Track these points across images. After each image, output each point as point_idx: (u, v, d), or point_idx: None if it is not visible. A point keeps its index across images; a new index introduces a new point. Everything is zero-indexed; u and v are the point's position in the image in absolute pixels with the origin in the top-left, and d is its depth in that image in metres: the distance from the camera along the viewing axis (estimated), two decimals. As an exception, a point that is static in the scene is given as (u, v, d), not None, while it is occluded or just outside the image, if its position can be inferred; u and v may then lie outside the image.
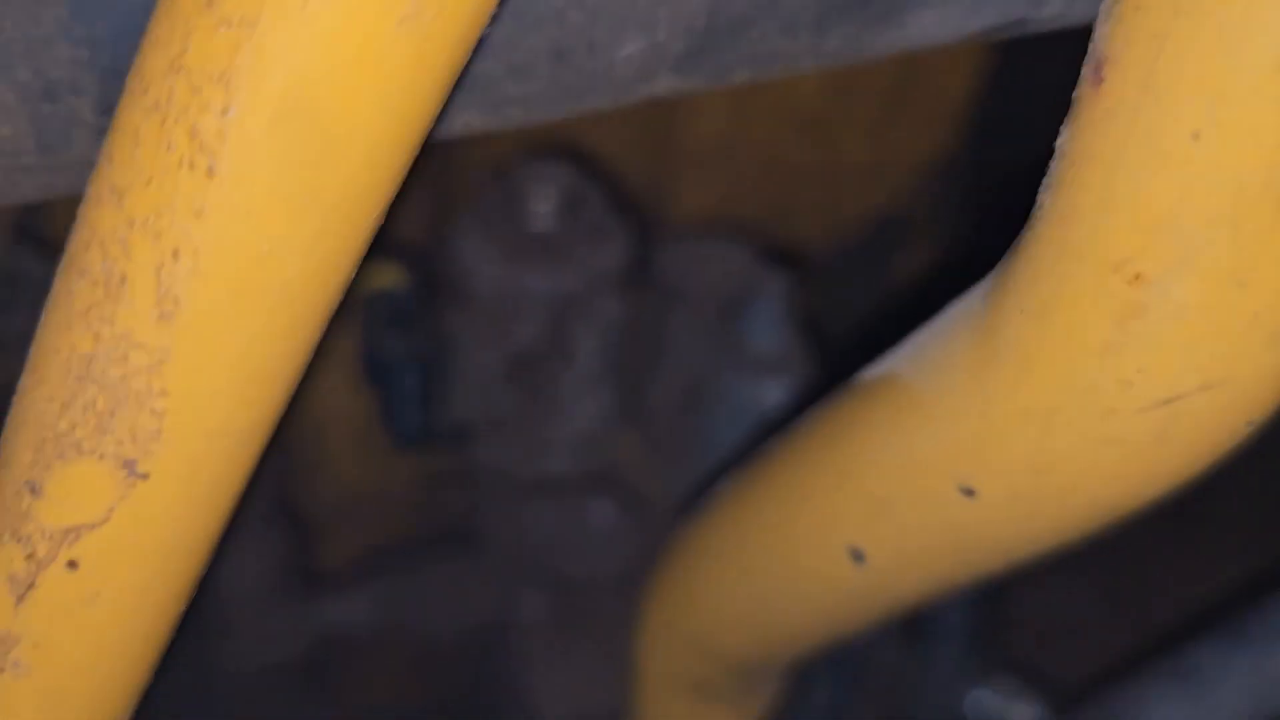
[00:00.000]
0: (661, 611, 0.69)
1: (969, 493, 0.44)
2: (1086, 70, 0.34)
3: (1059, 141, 0.37)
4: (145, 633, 0.40)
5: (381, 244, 1.09)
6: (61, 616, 0.39)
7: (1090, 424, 0.39)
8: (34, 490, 0.36)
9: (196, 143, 0.30)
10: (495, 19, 0.41)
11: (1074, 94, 0.36)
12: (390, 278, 1.02)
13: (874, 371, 0.49)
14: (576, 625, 1.04)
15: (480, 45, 0.44)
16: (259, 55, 0.29)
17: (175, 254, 0.32)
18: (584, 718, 0.99)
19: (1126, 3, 0.32)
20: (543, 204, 1.02)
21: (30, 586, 0.38)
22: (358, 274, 1.03)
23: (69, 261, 0.34)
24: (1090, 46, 0.35)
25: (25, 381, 0.36)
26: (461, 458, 1.16)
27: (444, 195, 1.09)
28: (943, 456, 0.45)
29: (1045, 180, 0.38)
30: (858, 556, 0.52)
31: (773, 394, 1.00)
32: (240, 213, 0.31)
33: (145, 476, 0.36)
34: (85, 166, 0.35)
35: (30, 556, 0.37)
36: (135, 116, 0.31)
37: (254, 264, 0.32)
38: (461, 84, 0.46)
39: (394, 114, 0.31)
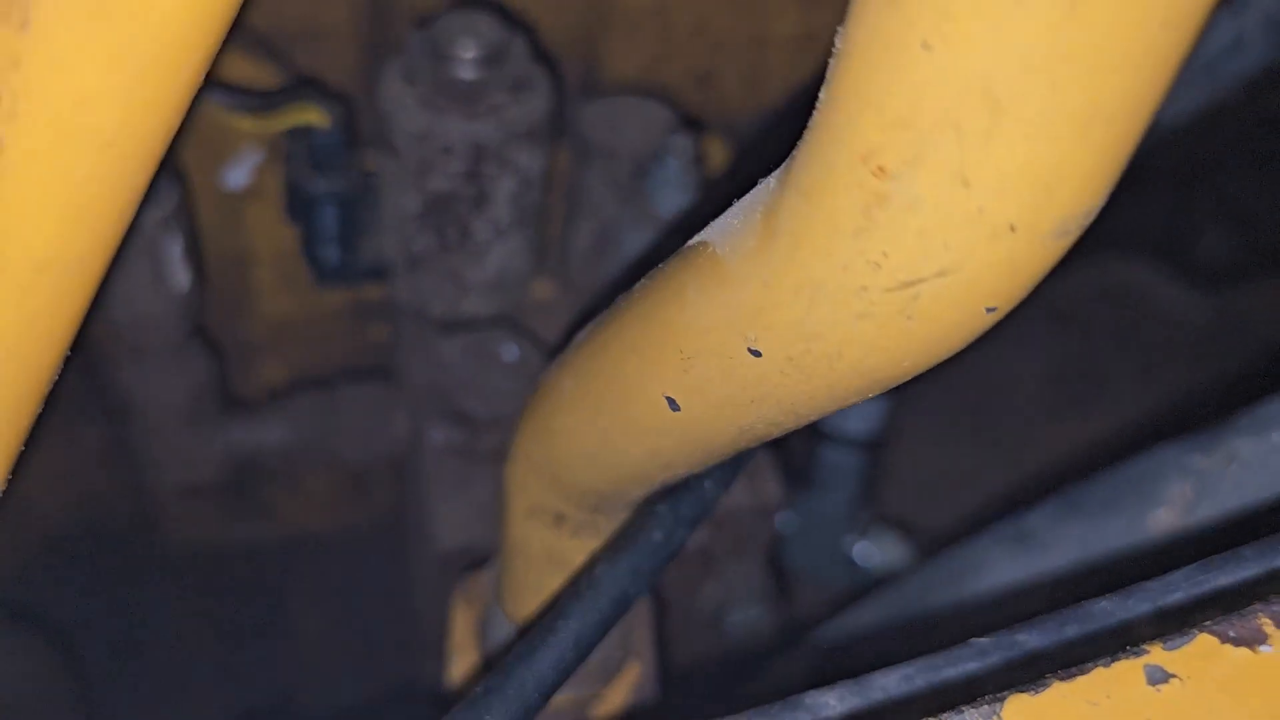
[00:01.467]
0: (525, 448, 0.74)
1: (756, 353, 0.49)
2: None
3: (836, 38, 0.41)
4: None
5: (308, 84, 1.11)
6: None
7: (847, 299, 0.43)
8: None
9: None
10: None
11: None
12: (314, 116, 1.04)
13: (697, 237, 0.53)
14: (478, 458, 1.10)
15: None
16: None
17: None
18: (476, 544, 1.05)
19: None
20: (465, 53, 1.04)
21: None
22: (282, 112, 1.05)
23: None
24: None
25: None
26: (382, 293, 1.20)
27: (375, 42, 1.11)
28: (735, 319, 0.49)
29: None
30: (674, 405, 0.56)
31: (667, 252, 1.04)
32: (54, 63, 0.34)
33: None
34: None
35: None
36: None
37: (70, 112, 0.36)
38: None
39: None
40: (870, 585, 1.32)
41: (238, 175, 1.14)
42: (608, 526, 0.75)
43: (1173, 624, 0.49)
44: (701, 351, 0.52)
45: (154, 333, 1.04)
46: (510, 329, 1.13)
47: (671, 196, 1.08)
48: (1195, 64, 1.25)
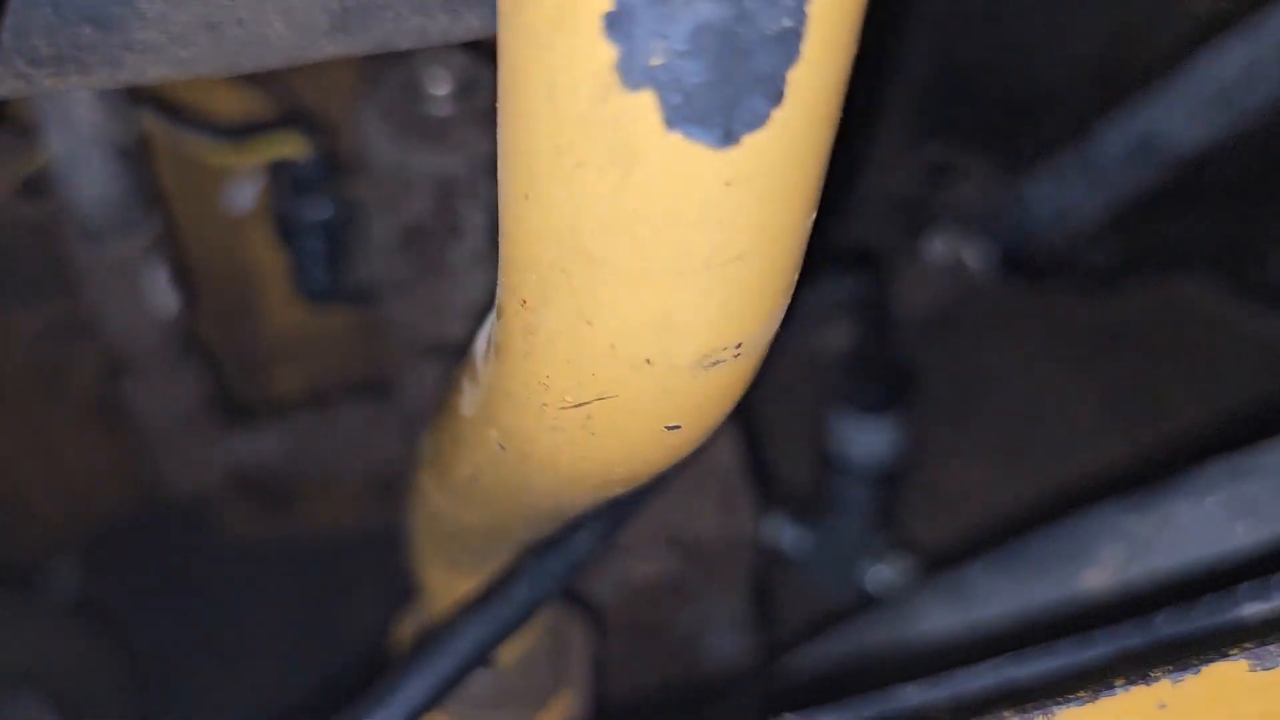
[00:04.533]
0: (412, 502, 0.77)
1: (502, 447, 0.51)
2: None
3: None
4: None
5: (289, 116, 1.15)
6: None
7: (535, 411, 0.45)
8: None
9: None
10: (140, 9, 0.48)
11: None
12: (294, 148, 1.08)
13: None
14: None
15: (135, 18, 0.51)
16: None
17: None
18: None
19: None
20: (437, 88, 1.07)
21: None
22: (261, 144, 1.09)
23: None
24: None
25: None
26: (372, 316, 1.24)
27: (356, 77, 1.14)
28: (482, 416, 0.51)
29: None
30: (474, 481, 0.59)
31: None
32: None
33: None
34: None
35: None
36: None
37: None
38: (133, 46, 0.53)
39: None
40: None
41: (240, 198, 1.19)
42: (493, 562, 0.78)
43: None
44: (473, 440, 0.54)
45: (144, 350, 1.09)
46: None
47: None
48: (1205, 97, 1.22)
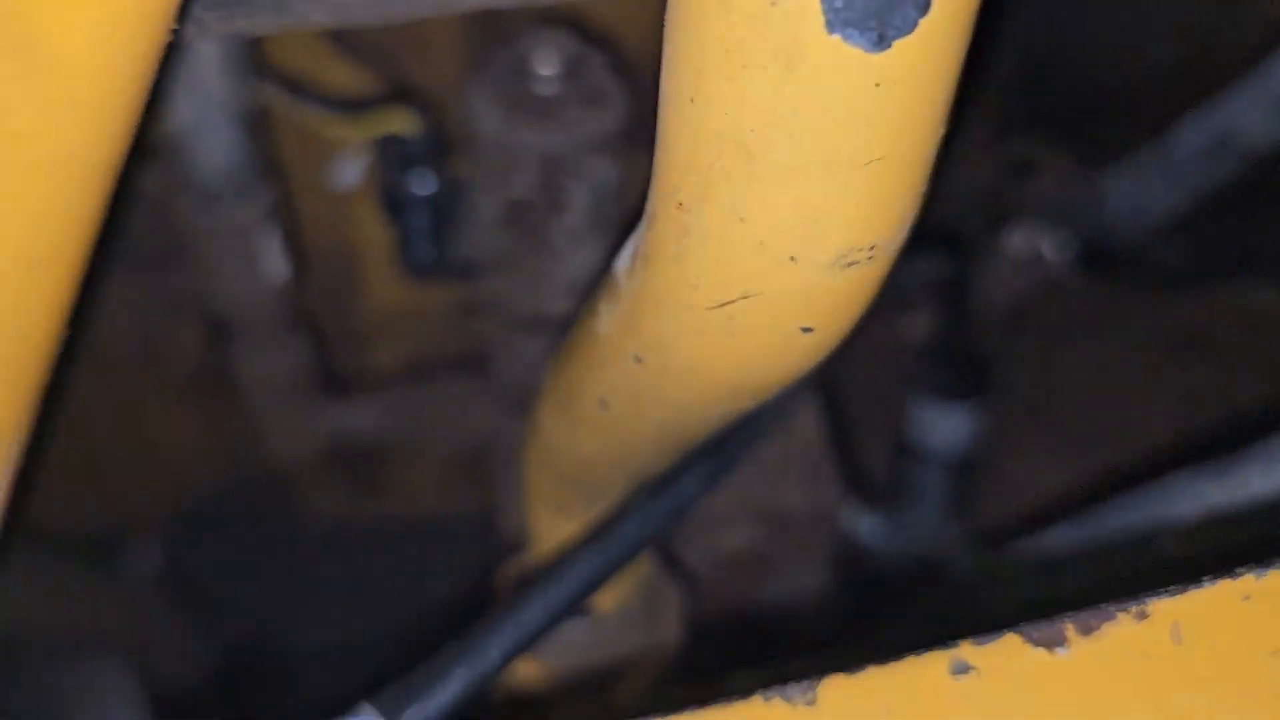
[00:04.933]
0: (527, 442, 0.81)
1: (639, 360, 0.55)
2: None
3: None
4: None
5: (400, 92, 1.21)
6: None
7: (680, 314, 0.49)
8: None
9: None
10: None
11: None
12: (403, 123, 1.14)
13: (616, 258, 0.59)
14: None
15: None
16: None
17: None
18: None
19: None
20: (545, 67, 1.11)
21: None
22: (373, 118, 1.15)
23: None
24: None
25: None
26: (473, 291, 1.29)
27: (465, 55, 1.20)
28: (620, 330, 0.55)
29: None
30: (604, 405, 0.63)
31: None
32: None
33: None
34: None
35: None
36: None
37: (8, 145, 0.44)
38: None
39: (102, 52, 0.42)
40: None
41: (348, 174, 1.25)
42: (600, 504, 0.82)
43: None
44: (608, 359, 0.59)
45: (254, 318, 1.14)
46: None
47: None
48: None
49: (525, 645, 0.71)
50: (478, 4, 0.61)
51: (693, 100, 0.41)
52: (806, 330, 0.48)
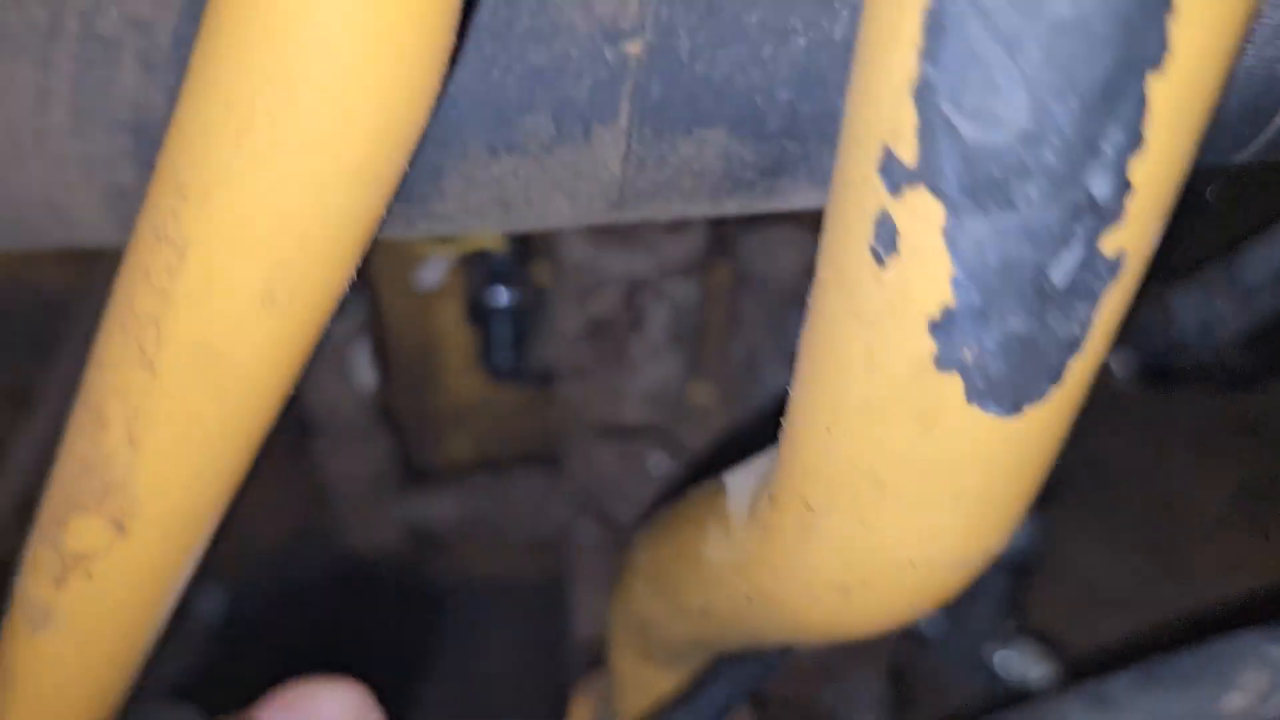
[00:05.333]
0: (619, 593, 0.84)
1: (749, 599, 0.58)
2: None
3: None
4: (138, 619, 0.58)
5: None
6: (83, 601, 0.57)
7: (799, 586, 0.52)
8: (60, 525, 0.54)
9: (142, 353, 0.46)
10: (444, 180, 0.55)
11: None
12: (492, 240, 1.17)
13: (725, 478, 0.62)
14: (617, 556, 1.21)
15: (436, 194, 0.58)
16: (174, 313, 0.45)
17: (135, 412, 0.48)
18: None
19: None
20: (630, 193, 1.15)
21: (62, 581, 0.56)
22: (466, 238, 1.18)
23: (80, 396, 0.51)
24: None
25: (58, 457, 0.53)
26: (549, 395, 1.33)
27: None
28: (734, 570, 0.58)
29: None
30: (704, 613, 0.66)
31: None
32: (171, 397, 0.47)
33: (128, 532, 0.53)
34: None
35: (61, 564, 0.55)
36: (111, 325, 0.47)
37: (184, 427, 0.48)
38: (430, 214, 0.60)
39: (268, 360, 0.46)
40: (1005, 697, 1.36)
41: (430, 276, 1.29)
42: (690, 665, 0.85)
43: None
44: (716, 582, 0.62)
45: (341, 421, 1.19)
46: (662, 439, 1.24)
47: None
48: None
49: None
50: (596, 222, 0.64)
51: (829, 430, 0.45)
52: (918, 609, 0.51)
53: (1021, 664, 1.47)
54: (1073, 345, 0.40)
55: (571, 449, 1.29)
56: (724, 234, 1.23)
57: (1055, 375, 0.40)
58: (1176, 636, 1.04)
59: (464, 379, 1.36)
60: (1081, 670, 1.27)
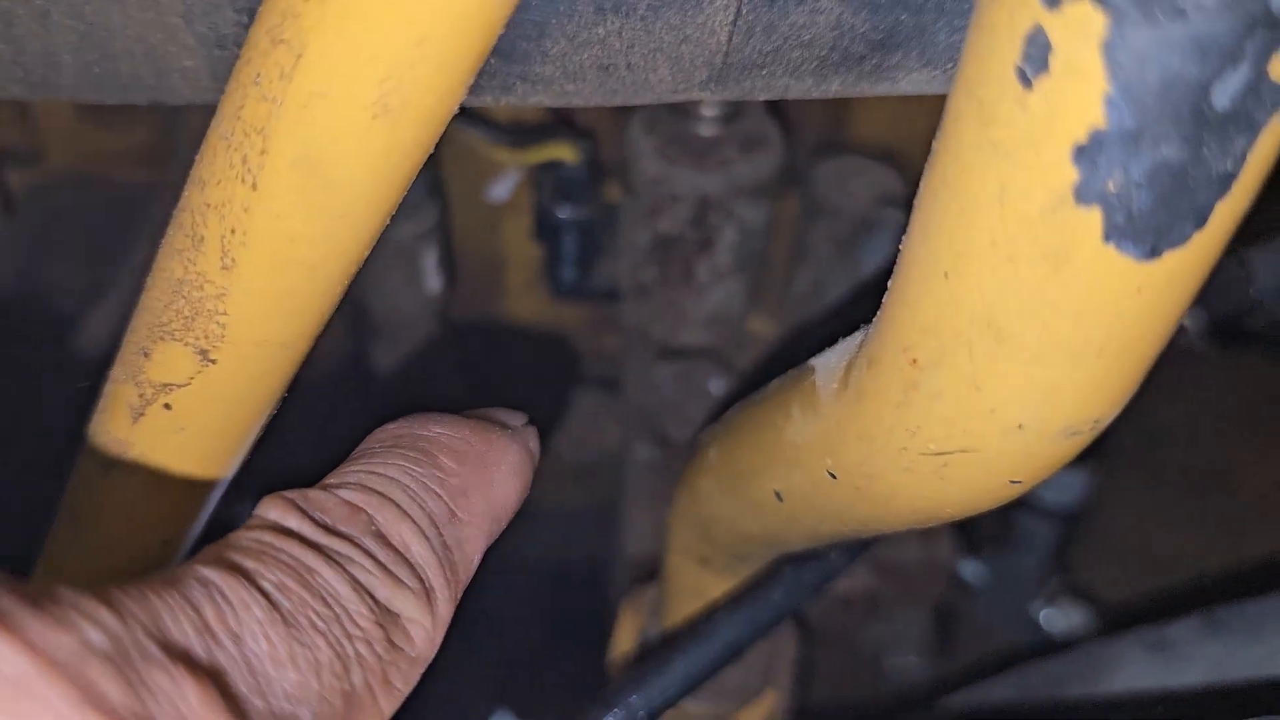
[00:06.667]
0: (681, 498, 0.83)
1: (833, 475, 0.57)
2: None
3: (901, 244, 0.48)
4: (215, 454, 0.57)
5: (562, 123, 1.23)
6: (159, 437, 0.56)
7: (893, 454, 0.51)
8: (145, 355, 0.53)
9: (245, 167, 0.45)
10: (548, 39, 0.54)
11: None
12: (565, 153, 1.16)
13: (811, 361, 0.61)
14: (673, 478, 1.19)
15: (538, 54, 0.57)
16: (282, 122, 0.43)
17: (232, 230, 0.47)
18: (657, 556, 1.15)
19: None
20: (706, 109, 1.13)
21: (140, 415, 0.55)
22: (537, 147, 1.17)
23: (175, 218, 0.49)
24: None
25: (147, 284, 0.52)
26: (609, 316, 1.31)
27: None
28: (819, 445, 0.57)
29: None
30: (779, 497, 0.65)
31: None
32: (271, 214, 0.46)
33: (213, 361, 0.52)
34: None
35: (141, 396, 0.55)
36: (215, 139, 0.46)
37: (282, 246, 0.47)
38: (529, 76, 0.59)
39: (373, 175, 0.45)
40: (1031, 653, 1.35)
41: (500, 190, 1.27)
42: (747, 570, 0.84)
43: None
44: (796, 463, 0.60)
45: (408, 325, 1.18)
46: (720, 363, 1.22)
47: (875, 262, 1.14)
48: None
49: (678, 697, 0.73)
50: (695, 98, 0.63)
51: (947, 275, 0.43)
52: (1015, 482, 0.50)
53: (1066, 621, 1.46)
54: (1224, 183, 0.38)
55: (631, 368, 1.28)
56: (793, 164, 1.21)
57: (1200, 218, 0.39)
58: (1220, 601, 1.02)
59: (526, 297, 1.35)
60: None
